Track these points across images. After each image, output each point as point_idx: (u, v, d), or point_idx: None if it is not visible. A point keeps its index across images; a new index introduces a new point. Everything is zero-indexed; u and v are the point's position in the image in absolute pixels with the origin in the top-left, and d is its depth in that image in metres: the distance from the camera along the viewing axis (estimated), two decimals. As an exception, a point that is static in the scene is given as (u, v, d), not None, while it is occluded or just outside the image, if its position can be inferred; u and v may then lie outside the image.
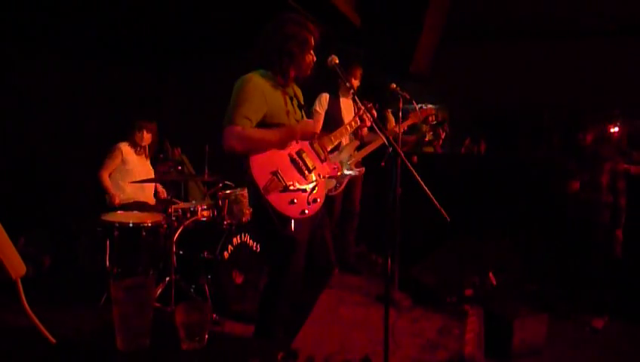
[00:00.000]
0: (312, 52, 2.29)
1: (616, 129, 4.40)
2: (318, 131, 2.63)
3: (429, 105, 3.91)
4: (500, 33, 6.08)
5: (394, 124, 4.43)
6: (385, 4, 5.27)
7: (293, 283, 2.28)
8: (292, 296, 2.32)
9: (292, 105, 2.32)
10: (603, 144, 3.63)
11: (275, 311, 2.31)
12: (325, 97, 4.07)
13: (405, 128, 3.92)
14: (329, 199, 4.13)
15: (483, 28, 6.04)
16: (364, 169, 4.05)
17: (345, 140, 3.62)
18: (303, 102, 2.45)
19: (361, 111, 2.58)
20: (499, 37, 6.12)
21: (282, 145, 2.18)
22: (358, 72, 4.05)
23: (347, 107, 4.16)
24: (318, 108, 4.04)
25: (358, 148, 3.86)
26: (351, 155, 3.84)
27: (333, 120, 4.03)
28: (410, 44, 5.43)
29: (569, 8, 5.39)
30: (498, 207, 4.64)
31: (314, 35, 2.28)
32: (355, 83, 4.03)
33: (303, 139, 2.29)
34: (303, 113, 2.41)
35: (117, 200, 3.83)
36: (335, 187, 3.99)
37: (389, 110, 4.00)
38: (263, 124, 2.17)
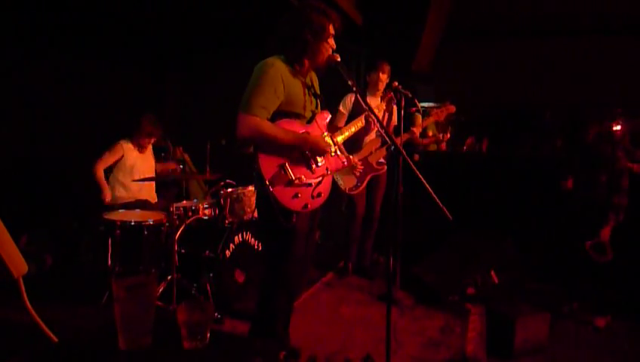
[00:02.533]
0: (330, 41, 2.23)
1: (619, 127, 4.38)
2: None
3: (448, 104, 3.90)
4: (501, 32, 6.06)
5: (419, 124, 4.37)
6: (386, 3, 5.26)
7: (293, 274, 2.26)
8: (292, 288, 2.31)
9: (309, 94, 2.30)
10: (603, 141, 3.59)
11: (274, 304, 2.28)
12: (350, 98, 4.02)
13: (425, 126, 3.96)
14: (350, 201, 4.09)
15: (485, 26, 6.02)
16: (385, 166, 4.05)
17: (368, 137, 3.71)
18: (319, 92, 2.41)
19: (366, 114, 2.57)
20: (500, 35, 6.11)
21: (290, 150, 2.16)
22: (386, 68, 3.98)
23: (374, 106, 4.12)
24: (342, 109, 4.00)
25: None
26: (371, 152, 3.87)
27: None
28: (412, 42, 5.42)
29: (571, 7, 5.38)
30: (500, 206, 4.63)
31: (334, 24, 2.22)
32: (384, 77, 3.98)
33: (312, 152, 2.24)
34: (319, 103, 2.39)
35: (108, 198, 3.81)
36: (356, 185, 3.98)
37: (416, 111, 3.98)
38: (279, 111, 2.15)
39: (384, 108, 3.13)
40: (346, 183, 3.99)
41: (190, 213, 3.58)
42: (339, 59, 2.26)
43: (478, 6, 5.70)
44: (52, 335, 1.18)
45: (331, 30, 2.22)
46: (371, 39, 5.44)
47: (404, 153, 2.15)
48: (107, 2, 4.53)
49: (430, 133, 5.96)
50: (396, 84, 3.57)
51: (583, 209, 3.61)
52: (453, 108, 3.90)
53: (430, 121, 3.91)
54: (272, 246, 2.30)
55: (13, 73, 4.64)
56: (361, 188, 4.01)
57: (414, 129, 3.86)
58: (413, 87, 3.38)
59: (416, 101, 3.78)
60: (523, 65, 5.92)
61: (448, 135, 5.82)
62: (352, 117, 3.96)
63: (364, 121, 2.60)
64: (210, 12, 4.99)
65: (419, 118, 4.89)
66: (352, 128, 2.56)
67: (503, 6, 5.64)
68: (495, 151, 6.31)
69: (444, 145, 6.16)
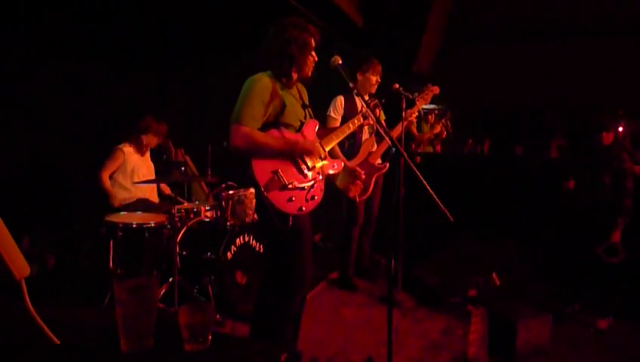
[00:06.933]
0: (313, 53, 2.38)
1: (621, 129, 4.39)
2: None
3: (429, 85, 3.82)
4: (502, 33, 6.07)
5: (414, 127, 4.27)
6: (388, 5, 5.27)
7: (303, 276, 2.33)
8: (305, 291, 2.40)
9: (297, 105, 2.40)
10: (616, 145, 3.58)
11: (284, 310, 2.32)
12: (340, 101, 3.86)
13: (416, 115, 3.87)
14: (352, 206, 3.95)
15: (485, 28, 6.03)
16: (387, 164, 3.94)
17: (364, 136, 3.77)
18: (307, 102, 2.50)
19: (364, 110, 2.63)
20: (501, 37, 6.12)
21: (282, 155, 2.27)
22: (378, 68, 3.87)
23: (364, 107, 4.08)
24: (333, 114, 3.83)
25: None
26: (370, 153, 3.81)
27: None
28: (413, 44, 5.44)
29: (571, 9, 5.39)
30: (501, 207, 4.63)
31: (314, 37, 2.38)
32: (375, 78, 3.85)
33: (300, 155, 2.34)
34: (307, 113, 2.47)
35: (117, 202, 3.83)
36: (365, 190, 3.77)
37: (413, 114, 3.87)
38: (268, 123, 2.27)
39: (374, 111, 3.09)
40: (354, 191, 3.72)
41: (192, 215, 3.59)
42: (340, 62, 2.36)
43: (479, 8, 5.71)
44: (53, 337, 1.18)
45: (313, 43, 2.38)
46: (372, 41, 5.46)
47: (405, 155, 2.15)
48: (109, 5, 4.54)
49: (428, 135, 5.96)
50: (397, 85, 3.58)
51: (585, 210, 3.60)
52: (437, 89, 3.82)
53: (418, 107, 3.82)
54: (280, 252, 2.34)
55: (16, 74, 4.66)
56: (370, 192, 3.82)
57: (407, 114, 3.69)
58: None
59: (417, 102, 3.78)
60: (524, 67, 5.93)
61: (444, 134, 5.80)
62: (345, 120, 3.81)
63: (354, 126, 2.70)
64: (212, 15, 5.01)
65: (414, 122, 4.84)
66: (340, 134, 2.63)
67: (504, 8, 5.65)
68: (496, 153, 6.31)
69: (439, 147, 6.16)
